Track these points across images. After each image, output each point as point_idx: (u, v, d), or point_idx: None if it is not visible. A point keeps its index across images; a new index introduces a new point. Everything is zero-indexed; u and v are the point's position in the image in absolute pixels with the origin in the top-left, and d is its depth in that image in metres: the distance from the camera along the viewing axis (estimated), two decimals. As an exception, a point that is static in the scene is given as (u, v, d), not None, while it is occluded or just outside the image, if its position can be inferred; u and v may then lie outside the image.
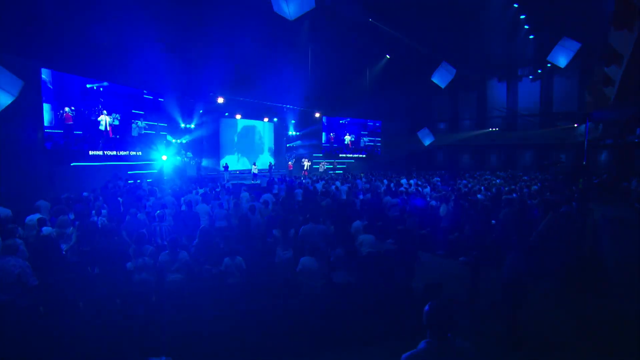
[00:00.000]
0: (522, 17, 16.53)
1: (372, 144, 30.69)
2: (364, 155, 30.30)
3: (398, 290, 4.72)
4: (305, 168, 23.17)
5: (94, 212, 7.25)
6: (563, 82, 25.58)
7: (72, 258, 5.42)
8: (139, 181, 13.84)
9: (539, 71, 23.60)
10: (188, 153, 20.50)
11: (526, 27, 17.74)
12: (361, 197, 14.48)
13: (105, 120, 14.39)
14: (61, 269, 4.60)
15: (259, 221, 6.67)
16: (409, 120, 30.49)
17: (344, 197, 14.33)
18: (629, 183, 12.96)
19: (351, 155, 29.43)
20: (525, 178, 18.42)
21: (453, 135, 29.86)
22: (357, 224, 6.19)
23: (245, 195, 11.40)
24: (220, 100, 20.14)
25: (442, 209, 8.62)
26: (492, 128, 28.24)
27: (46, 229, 6.01)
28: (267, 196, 11.29)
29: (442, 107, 32.02)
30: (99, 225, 6.25)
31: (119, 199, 9.78)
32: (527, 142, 27.00)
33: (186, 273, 4.65)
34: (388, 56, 22.17)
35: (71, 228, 5.76)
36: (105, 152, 14.58)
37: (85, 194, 10.14)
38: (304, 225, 5.77)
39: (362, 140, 29.85)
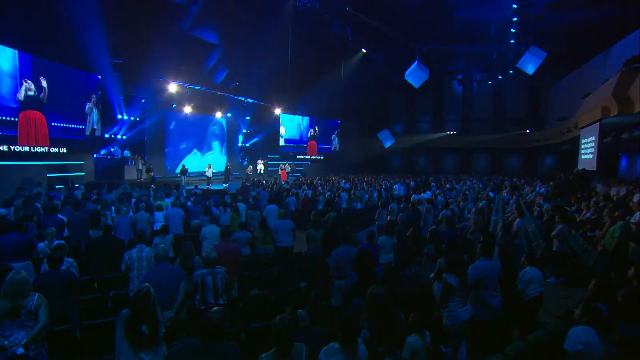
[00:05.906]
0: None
1: (330, 145, 28.80)
2: (322, 158, 28.25)
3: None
4: (288, 171, 20.33)
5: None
6: (514, 90, 26.71)
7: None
8: (70, 190, 9.72)
9: (500, 77, 24.10)
10: (125, 151, 16.26)
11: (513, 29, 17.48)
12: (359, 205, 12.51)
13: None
14: None
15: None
16: (365, 122, 29.29)
17: (344, 205, 12.15)
18: (591, 186, 12.77)
19: (309, 157, 27.13)
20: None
21: (409, 138, 29.44)
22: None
23: (241, 206, 8.51)
24: (169, 87, 16.36)
25: (518, 223, 6.94)
26: (449, 131, 28.37)
27: None
28: (271, 207, 8.58)
29: (398, 109, 31.51)
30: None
31: (61, 217, 6.19)
32: (482, 146, 27.67)
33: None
34: (364, 50, 20.43)
35: None
36: (12, 148, 10.25)
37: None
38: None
39: (321, 140, 27.74)
